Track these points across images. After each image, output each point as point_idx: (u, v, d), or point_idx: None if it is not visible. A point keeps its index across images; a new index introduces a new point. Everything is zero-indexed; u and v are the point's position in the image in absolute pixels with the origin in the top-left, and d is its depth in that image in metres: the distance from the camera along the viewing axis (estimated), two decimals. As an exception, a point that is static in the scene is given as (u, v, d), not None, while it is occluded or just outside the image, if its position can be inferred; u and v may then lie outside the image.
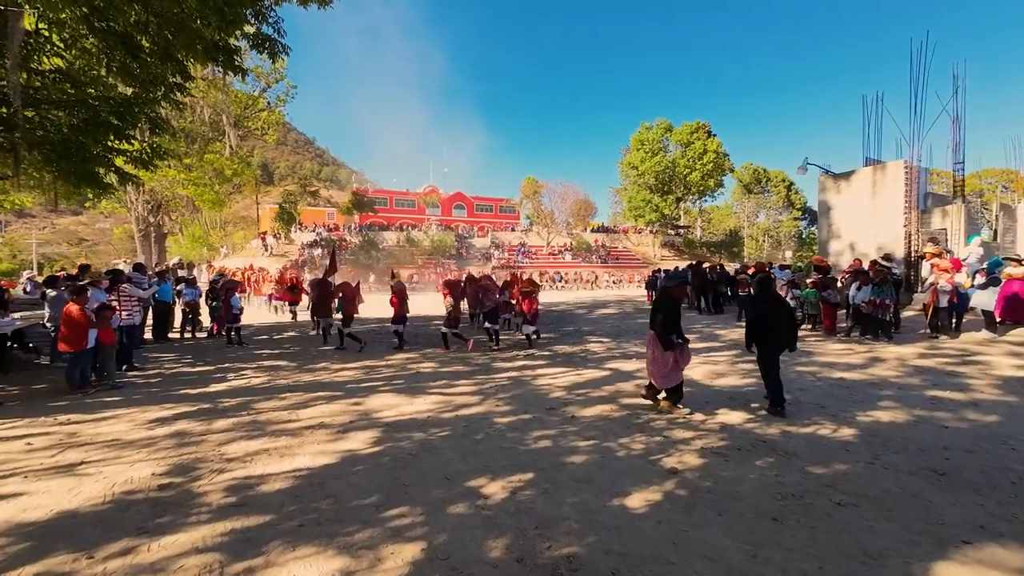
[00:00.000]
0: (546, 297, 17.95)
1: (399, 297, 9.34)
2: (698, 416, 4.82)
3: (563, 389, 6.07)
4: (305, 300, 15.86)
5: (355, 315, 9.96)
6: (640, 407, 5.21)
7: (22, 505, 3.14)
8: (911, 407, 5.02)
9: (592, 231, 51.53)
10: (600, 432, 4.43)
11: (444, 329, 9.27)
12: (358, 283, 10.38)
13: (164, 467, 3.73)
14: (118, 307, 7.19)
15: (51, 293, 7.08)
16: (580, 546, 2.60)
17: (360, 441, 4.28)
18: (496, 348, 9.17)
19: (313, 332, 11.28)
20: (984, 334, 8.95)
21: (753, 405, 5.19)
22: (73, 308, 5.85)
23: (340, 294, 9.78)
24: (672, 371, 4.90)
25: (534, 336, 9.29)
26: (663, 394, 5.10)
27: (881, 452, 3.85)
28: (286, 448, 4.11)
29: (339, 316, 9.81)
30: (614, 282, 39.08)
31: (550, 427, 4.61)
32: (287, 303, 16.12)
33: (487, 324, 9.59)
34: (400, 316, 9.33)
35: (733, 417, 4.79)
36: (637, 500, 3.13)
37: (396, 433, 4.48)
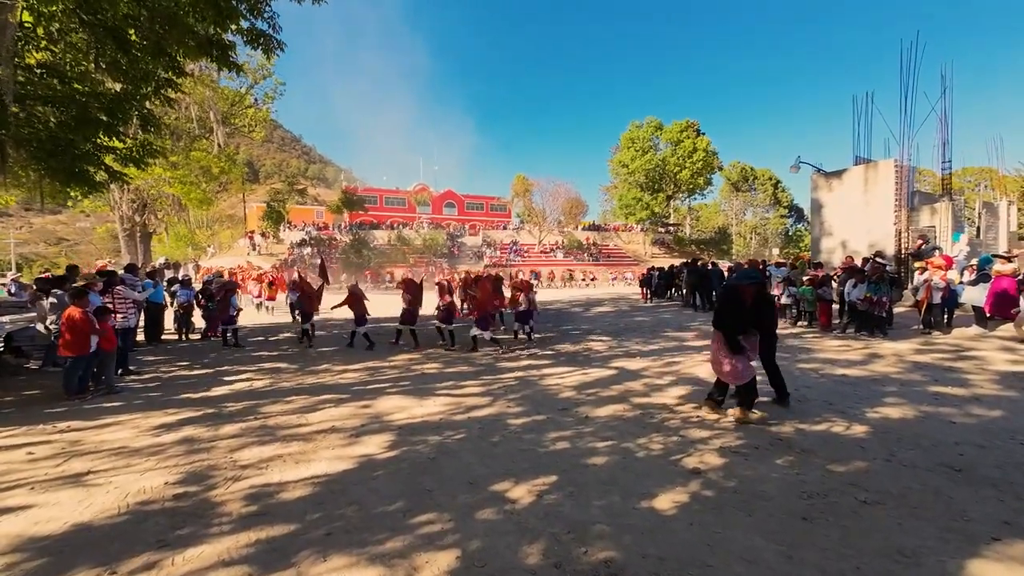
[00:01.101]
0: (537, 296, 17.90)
1: (355, 299, 9.47)
2: (712, 415, 4.84)
3: (572, 389, 6.06)
4: (281, 297, 16.23)
5: (314, 313, 10.11)
6: (652, 406, 5.22)
7: (33, 518, 3.02)
8: (916, 403, 5.11)
9: (583, 229, 51.71)
10: (616, 433, 4.42)
11: (399, 326, 9.39)
12: (322, 285, 10.58)
13: (177, 475, 3.63)
14: (113, 309, 6.99)
15: (50, 300, 6.88)
16: (616, 550, 2.58)
17: (375, 445, 4.22)
18: (441, 346, 9.13)
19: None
20: (975, 329, 9.16)
21: (763, 402, 5.22)
22: (76, 312, 5.67)
23: (300, 291, 9.96)
24: (745, 367, 4.53)
25: (485, 338, 8.82)
26: (721, 402, 4.84)
27: (896, 449, 3.90)
28: (300, 453, 4.03)
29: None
30: (591, 279, 38.84)
31: (565, 428, 4.59)
32: (267, 300, 16.88)
33: (442, 325, 9.33)
34: (359, 317, 9.48)
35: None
36: (665, 501, 3.12)
37: (411, 436, 4.42)
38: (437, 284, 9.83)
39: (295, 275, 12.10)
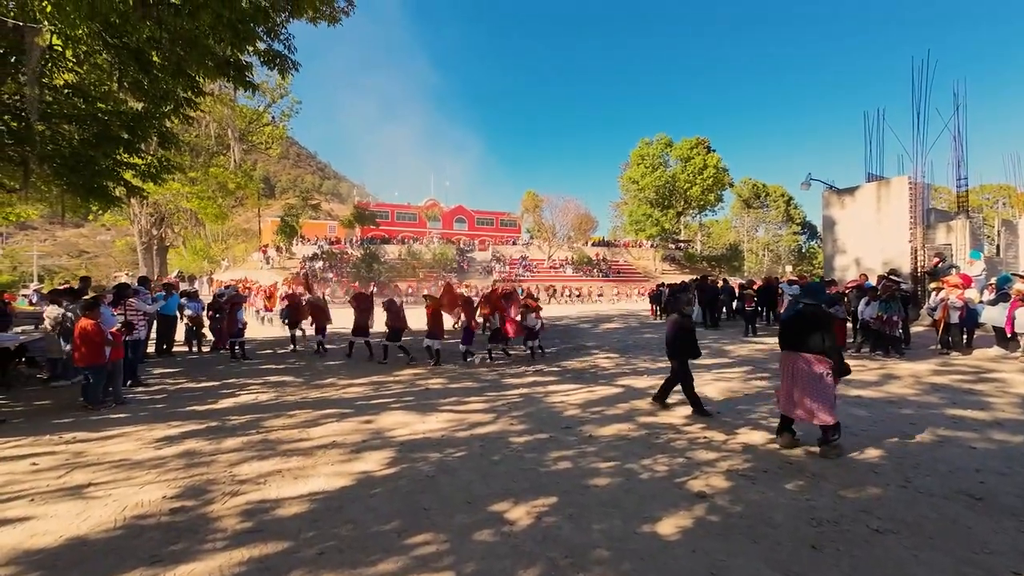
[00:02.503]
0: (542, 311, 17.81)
1: (314, 310, 10.63)
2: (719, 436, 4.72)
3: (577, 407, 5.97)
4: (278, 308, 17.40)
5: (301, 321, 11.39)
6: (658, 426, 5.11)
7: (30, 530, 3.02)
8: (934, 426, 4.93)
9: (593, 245, 51.67)
10: (620, 453, 4.32)
11: (352, 338, 10.01)
12: (324, 298, 11.82)
13: (175, 489, 3.62)
14: (126, 322, 7.11)
15: (48, 316, 7.04)
16: (615, 577, 2.50)
17: (375, 462, 4.17)
18: (383, 361, 9.36)
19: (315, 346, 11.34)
20: (996, 350, 8.89)
21: (773, 424, 5.09)
22: (88, 323, 5.78)
23: (287, 302, 11.33)
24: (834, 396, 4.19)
25: (469, 356, 9.28)
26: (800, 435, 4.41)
27: (912, 475, 3.75)
28: (300, 469, 4.00)
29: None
30: (575, 295, 38.14)
31: (568, 447, 4.50)
32: (265, 311, 17.73)
33: (386, 342, 9.45)
34: (320, 327, 10.60)
35: (755, 437, 4.69)
36: (668, 526, 3.02)
37: (411, 453, 4.37)
38: (383, 302, 10.13)
39: (290, 288, 13.41)
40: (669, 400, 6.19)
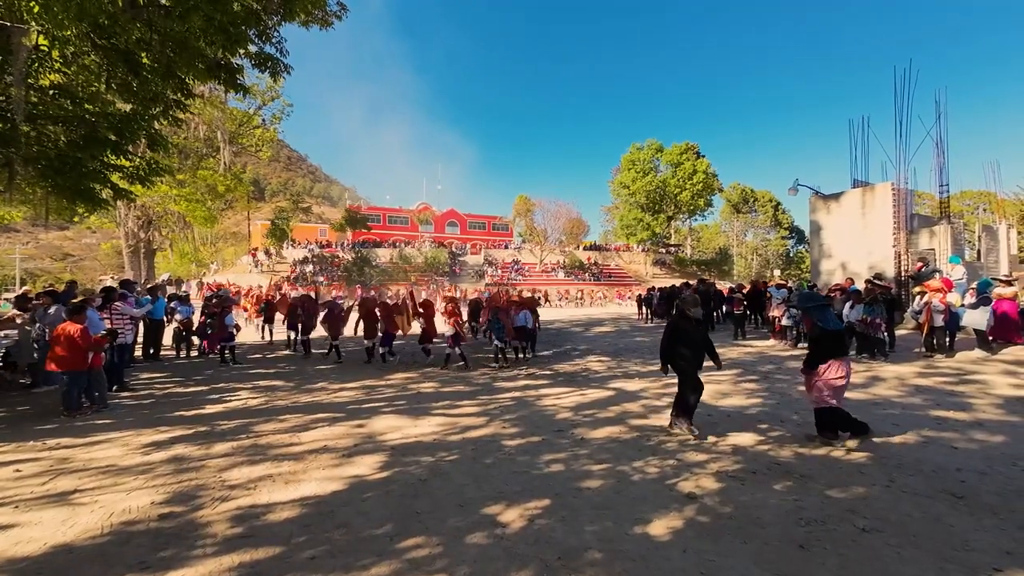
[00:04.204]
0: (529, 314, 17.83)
1: (290, 309, 11.47)
2: (709, 438, 4.77)
3: (569, 410, 6.00)
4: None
5: (274, 318, 12.80)
6: (649, 428, 5.16)
7: (14, 538, 2.97)
8: (918, 427, 5.03)
9: (584, 249, 51.92)
10: (612, 455, 4.36)
11: (300, 337, 10.98)
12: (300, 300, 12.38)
13: (164, 495, 3.57)
14: (110, 325, 7.00)
15: (51, 310, 6.92)
16: (607, 578, 2.52)
17: (367, 466, 4.16)
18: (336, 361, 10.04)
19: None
20: (977, 353, 9.08)
21: (762, 426, 5.16)
22: (74, 328, 5.67)
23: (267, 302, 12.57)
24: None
25: (389, 357, 9.81)
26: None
27: (896, 474, 3.83)
28: (291, 473, 3.97)
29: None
30: (544, 297, 37.68)
31: (560, 450, 4.52)
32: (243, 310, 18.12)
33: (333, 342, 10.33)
34: (292, 324, 11.36)
35: (744, 439, 4.74)
36: (659, 527, 3.05)
37: (403, 457, 4.37)
38: (323, 303, 11.40)
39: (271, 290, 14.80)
40: (660, 403, 6.24)
